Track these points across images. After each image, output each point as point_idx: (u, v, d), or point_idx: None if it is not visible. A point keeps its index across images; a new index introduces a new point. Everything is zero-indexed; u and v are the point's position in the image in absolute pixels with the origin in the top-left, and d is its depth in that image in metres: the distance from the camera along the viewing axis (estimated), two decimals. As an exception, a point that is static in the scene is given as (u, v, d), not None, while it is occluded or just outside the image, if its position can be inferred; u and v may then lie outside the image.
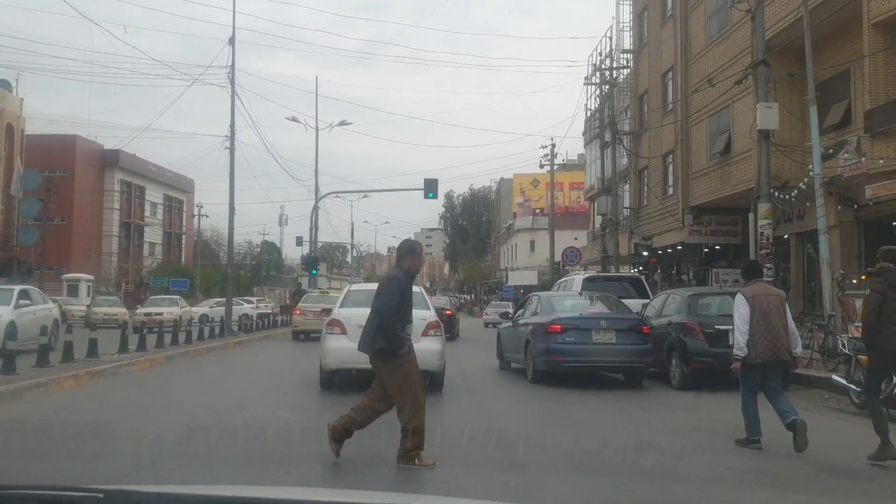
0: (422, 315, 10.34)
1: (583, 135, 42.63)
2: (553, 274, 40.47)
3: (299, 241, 69.48)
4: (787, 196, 17.55)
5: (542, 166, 40.53)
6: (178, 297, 41.44)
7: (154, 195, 78.77)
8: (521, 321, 14.00)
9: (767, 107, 16.28)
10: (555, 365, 12.13)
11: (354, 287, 14.18)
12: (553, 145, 41.50)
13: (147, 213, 77.27)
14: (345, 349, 10.09)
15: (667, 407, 10.39)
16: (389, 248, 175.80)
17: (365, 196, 65.83)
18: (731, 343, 7.81)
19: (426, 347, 9.93)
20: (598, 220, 40.27)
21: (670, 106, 28.25)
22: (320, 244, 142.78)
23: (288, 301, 51.97)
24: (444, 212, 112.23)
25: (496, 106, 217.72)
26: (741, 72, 18.04)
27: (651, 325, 12.73)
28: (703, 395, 11.28)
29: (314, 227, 36.52)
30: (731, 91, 22.50)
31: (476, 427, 8.23)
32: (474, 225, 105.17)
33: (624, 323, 12.40)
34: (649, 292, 17.56)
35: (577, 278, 18.02)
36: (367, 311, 7.03)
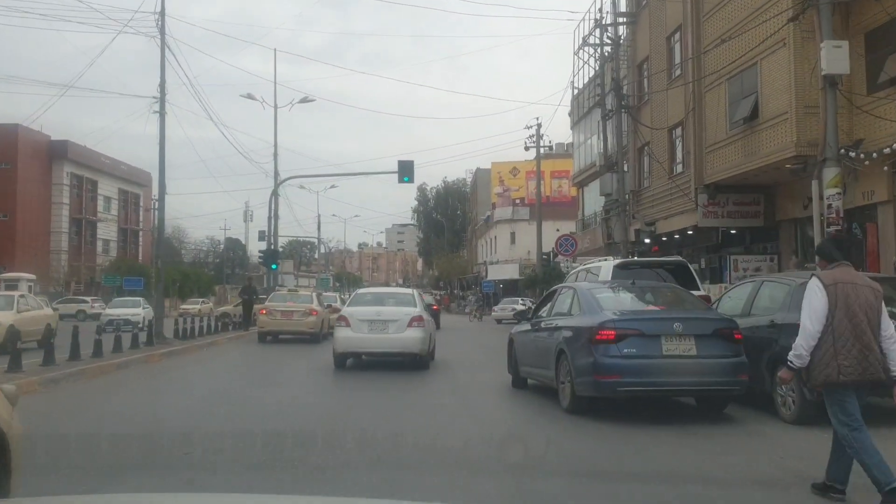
0: (407, 311, 14.42)
1: (569, 115, 39.07)
2: (541, 265, 36.90)
3: (262, 236, 65.24)
4: (859, 154, 13.96)
5: (527, 148, 37.00)
6: (140, 298, 37.92)
7: (107, 189, 74.00)
8: (548, 323, 10.26)
9: (836, 45, 12.78)
10: (608, 389, 8.39)
11: (361, 290, 18.82)
12: (539, 125, 37.93)
13: (100, 209, 72.53)
14: (349, 338, 14.26)
15: (794, 455, 6.77)
16: (360, 245, 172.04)
17: (332, 186, 61.73)
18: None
19: (411, 335, 14.09)
20: (589, 207, 36.74)
21: (678, 71, 24.68)
22: (286, 240, 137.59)
23: (231, 301, 48.13)
24: (416, 205, 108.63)
25: (465, 100, 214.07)
26: (795, 6, 14.40)
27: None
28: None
29: (273, 217, 32.55)
30: (759, 47, 19.09)
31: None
32: (449, 219, 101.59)
33: (707, 325, 8.53)
34: (698, 282, 13.87)
35: (605, 265, 13.95)
36: (368, 308, 14.55)
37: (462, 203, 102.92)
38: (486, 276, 62.51)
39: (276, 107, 33.76)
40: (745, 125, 20.14)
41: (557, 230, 59.44)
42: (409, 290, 17.81)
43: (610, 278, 12.69)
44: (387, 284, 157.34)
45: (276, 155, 34.12)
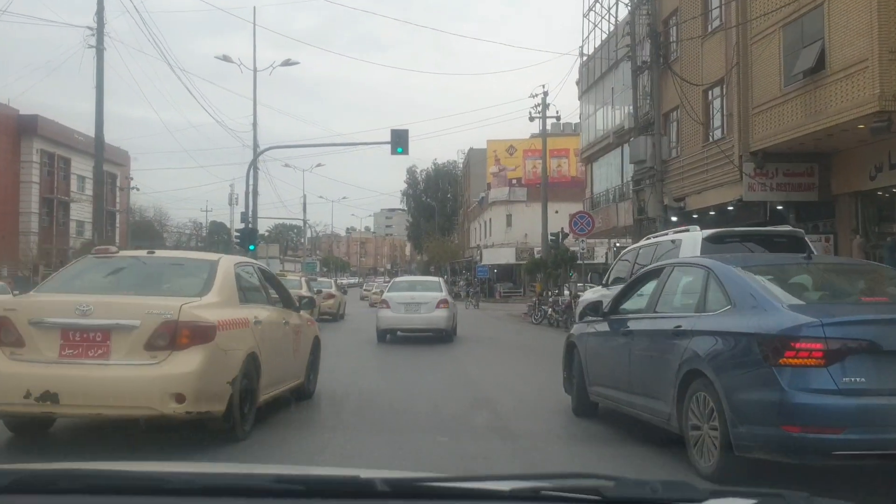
0: (435, 295, 18.23)
1: (577, 84, 35.78)
2: (548, 248, 33.69)
3: (243, 218, 61.74)
4: None
5: (532, 118, 33.71)
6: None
7: (82, 168, 70.04)
8: (655, 324, 6.67)
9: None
10: (814, 450, 4.82)
11: (398, 279, 22.33)
12: (545, 92, 34.57)
13: (74, 188, 68.71)
14: (390, 317, 17.96)
15: None
16: (348, 229, 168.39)
17: (319, 165, 58.32)
18: None
19: (439, 314, 17.82)
20: (599, 184, 33.55)
21: (717, 21, 21.46)
22: (272, 223, 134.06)
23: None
24: (406, 188, 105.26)
25: (458, 84, 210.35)
26: None
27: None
28: None
29: (252, 193, 29.25)
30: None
31: None
32: (439, 202, 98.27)
33: None
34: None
35: (688, 238, 10.35)
36: (403, 293, 17.90)
37: (453, 186, 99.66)
38: (481, 260, 59.38)
39: (255, 69, 30.34)
40: (805, 79, 17.00)
41: (556, 212, 56.16)
42: (436, 279, 21.59)
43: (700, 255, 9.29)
44: (375, 270, 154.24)
45: (255, 124, 30.77)
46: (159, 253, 7.66)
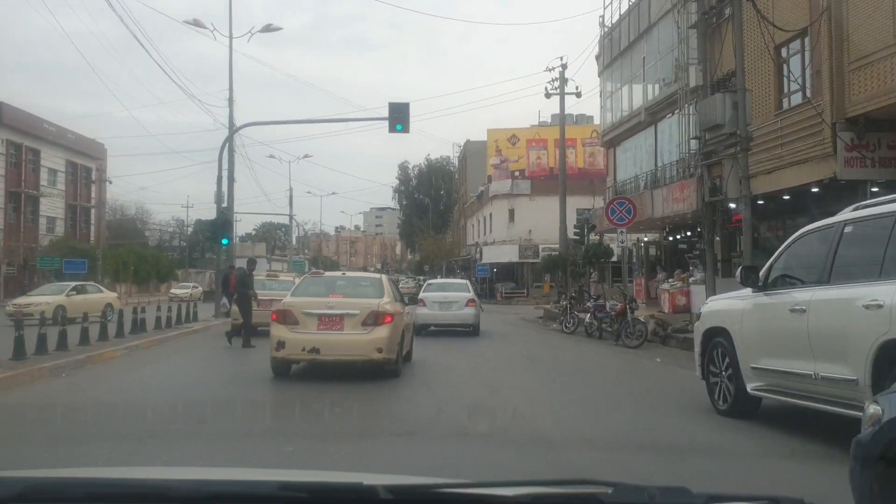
0: (464, 295, 20.50)
1: (597, 59, 31.77)
2: (566, 243, 29.66)
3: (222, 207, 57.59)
4: None
5: (548, 96, 29.62)
6: (90, 282, 31.22)
7: (52, 160, 65.46)
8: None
9: None
10: None
11: (432, 281, 24.68)
12: (563, 65, 30.45)
13: (43, 182, 64.08)
14: (426, 314, 20.09)
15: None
16: (337, 228, 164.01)
17: (307, 156, 54.32)
18: None
19: (467, 312, 20.04)
20: (624, 170, 29.52)
21: (796, -40, 17.47)
22: (259, 220, 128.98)
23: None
24: (398, 184, 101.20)
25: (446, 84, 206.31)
26: None
27: None
28: None
29: (228, 178, 25.12)
30: None
31: None
32: (432, 199, 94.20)
33: None
34: None
35: None
36: (437, 293, 20.61)
37: (447, 182, 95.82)
38: (481, 258, 55.31)
39: (230, 37, 26.15)
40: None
41: (564, 206, 52.50)
42: (464, 281, 23.52)
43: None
44: (364, 269, 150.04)
45: (231, 100, 26.58)
46: (349, 273, 15.31)
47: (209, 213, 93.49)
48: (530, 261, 52.21)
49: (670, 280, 24.21)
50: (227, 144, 25.15)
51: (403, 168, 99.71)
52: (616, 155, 31.00)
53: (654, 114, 26.23)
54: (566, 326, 20.38)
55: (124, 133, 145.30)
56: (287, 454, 6.03)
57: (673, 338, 16.11)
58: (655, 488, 1.67)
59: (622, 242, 20.21)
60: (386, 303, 11.23)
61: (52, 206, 65.39)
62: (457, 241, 77.56)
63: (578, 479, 1.82)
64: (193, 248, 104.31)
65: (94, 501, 1.64)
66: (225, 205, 25.44)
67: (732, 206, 17.53)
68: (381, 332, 10.74)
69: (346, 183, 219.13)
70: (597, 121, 55.35)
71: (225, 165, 25.82)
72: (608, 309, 17.09)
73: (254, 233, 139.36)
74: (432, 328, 20.10)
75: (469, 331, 19.93)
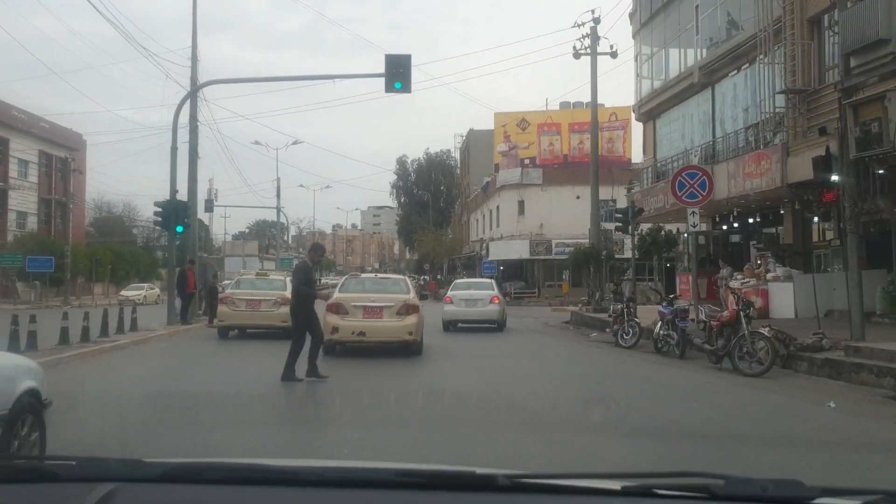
0: (488, 293, 21.45)
1: (630, 17, 26.89)
2: (598, 234, 24.76)
3: (209, 206, 52.70)
4: None
5: (577, 56, 24.72)
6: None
7: (23, 151, 60.46)
8: None
9: None
10: None
11: (458, 281, 26.16)
12: (596, 19, 25.50)
13: (14, 174, 59.14)
14: (453, 311, 21.05)
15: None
16: (334, 226, 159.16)
17: (296, 142, 49.35)
18: None
19: (491, 309, 20.82)
20: (667, 147, 24.67)
21: None
22: (253, 220, 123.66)
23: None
24: (395, 180, 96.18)
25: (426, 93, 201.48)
26: None
27: None
28: None
29: (191, 149, 20.21)
30: None
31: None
32: (432, 195, 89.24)
33: None
34: None
35: None
36: (463, 292, 21.59)
37: (447, 177, 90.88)
38: (487, 255, 50.43)
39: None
40: None
41: (578, 197, 47.49)
42: (489, 280, 25.13)
43: None
44: (362, 269, 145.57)
45: (194, 57, 21.63)
46: (380, 276, 20.13)
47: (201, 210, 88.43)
48: (542, 257, 47.37)
49: (738, 276, 19.39)
50: (186, 111, 20.15)
51: (401, 162, 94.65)
52: (656, 129, 26.17)
53: (711, 73, 21.41)
54: (623, 338, 15.37)
55: (111, 128, 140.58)
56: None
57: (802, 359, 11.10)
58: (768, 481, 1.63)
59: (693, 226, 15.31)
60: (413, 297, 14.54)
61: (23, 200, 60.45)
62: (459, 237, 72.61)
63: (688, 471, 1.83)
64: (185, 245, 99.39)
65: (228, 483, 1.75)
66: (179, 190, 20.45)
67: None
68: (412, 320, 13.93)
69: (343, 178, 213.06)
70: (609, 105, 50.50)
71: (185, 137, 20.87)
72: (705, 316, 12.07)
73: (247, 230, 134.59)
74: (459, 324, 21.13)
75: (493, 327, 20.92)
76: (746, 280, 18.55)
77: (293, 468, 1.86)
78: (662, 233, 17.22)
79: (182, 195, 21.20)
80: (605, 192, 47.87)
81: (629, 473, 1.82)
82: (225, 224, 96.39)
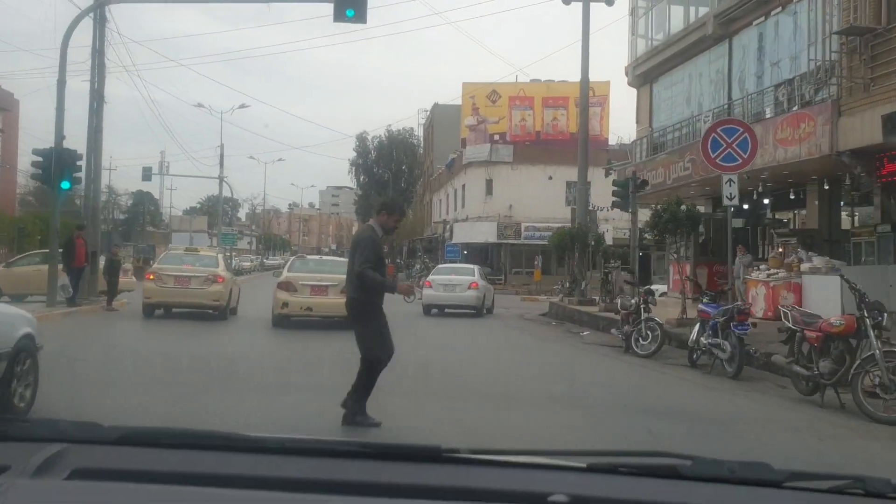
0: (468, 278, 21.54)
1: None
2: (585, 214, 21.06)
3: (146, 175, 47.87)
4: None
5: (568, 1, 20.85)
6: None
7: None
8: None
9: None
10: None
11: (441, 266, 27.46)
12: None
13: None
14: (433, 295, 21.06)
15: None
16: (290, 205, 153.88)
17: (243, 105, 44.87)
18: None
19: (470, 294, 20.82)
20: (665, 114, 21.18)
21: None
22: (205, 194, 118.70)
23: None
24: (355, 157, 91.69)
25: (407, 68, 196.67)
26: None
27: None
28: None
29: (95, 89, 16.02)
30: None
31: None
32: (393, 174, 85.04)
33: None
34: None
35: None
36: (443, 276, 21.98)
37: (409, 156, 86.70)
38: (451, 238, 46.70)
39: None
40: None
41: (550, 178, 44.10)
42: (471, 266, 25.70)
43: None
44: (318, 250, 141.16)
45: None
46: (325, 258, 21.51)
47: (152, 184, 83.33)
48: (511, 241, 43.83)
49: (762, 266, 15.96)
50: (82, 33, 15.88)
51: (361, 139, 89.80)
52: (653, 94, 22.60)
53: (728, 22, 17.89)
54: (638, 343, 11.52)
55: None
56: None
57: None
58: (736, 462, 1.63)
59: (730, 198, 11.68)
60: None
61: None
62: (420, 218, 68.82)
63: (655, 450, 1.80)
64: (134, 221, 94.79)
65: (186, 448, 1.72)
66: (65, 141, 16.16)
67: None
68: None
69: (298, 152, 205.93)
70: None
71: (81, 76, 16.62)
72: (793, 321, 8.27)
73: (198, 206, 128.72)
74: (434, 311, 21.14)
75: (472, 312, 20.94)
76: (774, 272, 15.08)
77: (252, 437, 1.78)
78: (683, 207, 13.56)
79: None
80: (575, 172, 44.54)
81: (595, 451, 1.81)
82: (171, 197, 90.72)
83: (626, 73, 24.02)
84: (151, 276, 17.22)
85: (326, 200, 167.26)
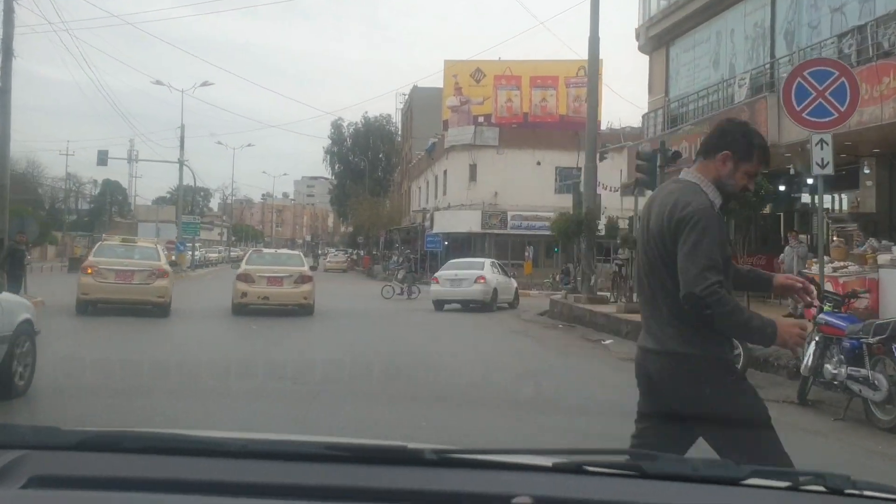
0: (474, 272, 21.22)
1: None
2: (593, 196, 17.89)
3: (102, 159, 44.06)
4: None
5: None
6: None
7: None
8: None
9: None
10: None
11: (453, 261, 24.69)
12: None
13: None
14: (440, 290, 21.07)
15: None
16: (264, 195, 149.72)
17: (205, 83, 41.51)
18: None
19: (476, 288, 20.69)
20: (685, 81, 18.19)
21: None
22: (174, 182, 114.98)
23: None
24: (330, 145, 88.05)
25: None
26: None
27: None
28: None
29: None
30: None
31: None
32: (370, 163, 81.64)
33: None
34: None
35: None
36: (450, 272, 21.73)
37: (386, 144, 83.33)
38: (432, 227, 43.48)
39: None
40: None
41: (539, 163, 41.07)
42: (480, 260, 24.15)
43: None
44: (293, 241, 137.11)
45: None
46: (279, 251, 22.80)
47: (120, 172, 78.44)
48: (496, 231, 40.75)
49: (826, 258, 12.96)
50: None
51: (337, 126, 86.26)
52: (669, 59, 19.54)
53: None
54: None
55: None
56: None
57: None
58: (699, 460, 1.70)
59: (822, 164, 8.65)
60: (307, 270, 18.04)
61: None
62: (398, 207, 65.50)
63: (619, 449, 1.86)
64: (100, 212, 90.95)
65: (148, 453, 1.68)
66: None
67: None
68: (307, 287, 17.10)
69: (270, 138, 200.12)
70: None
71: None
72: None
73: (168, 195, 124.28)
74: (445, 307, 21.06)
75: (479, 307, 20.49)
76: (842, 265, 12.11)
77: (215, 439, 1.77)
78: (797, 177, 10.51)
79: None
80: (567, 159, 41.49)
81: (560, 450, 1.81)
82: (135, 185, 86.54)
83: (637, 37, 20.93)
84: (90, 270, 16.37)
85: (302, 191, 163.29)
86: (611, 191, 28.37)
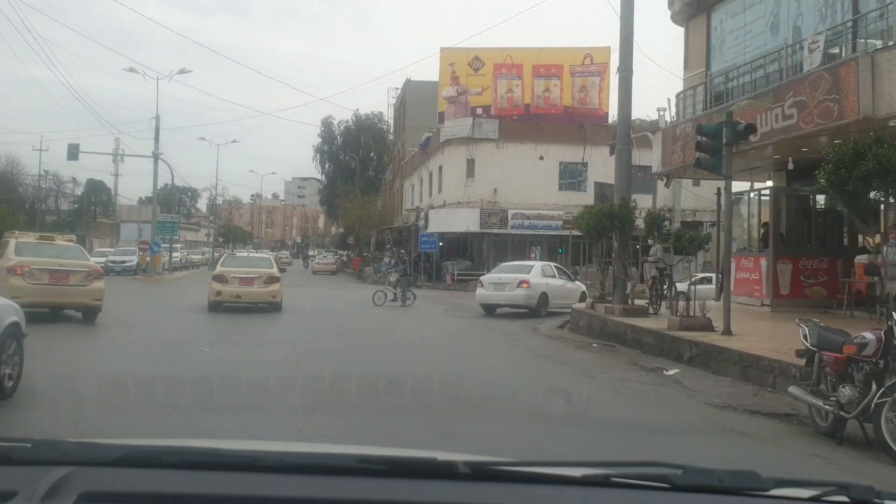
0: (518, 276, 20.59)
1: None
2: (628, 185, 14.99)
3: (72, 153, 40.87)
4: None
5: None
6: None
7: None
8: None
9: None
10: None
11: (503, 264, 24.31)
12: None
13: None
14: (482, 294, 21.04)
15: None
16: (253, 196, 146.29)
17: (182, 71, 38.46)
18: None
19: (519, 293, 20.06)
20: (729, 52, 15.33)
21: None
22: (162, 184, 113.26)
23: None
24: (320, 143, 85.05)
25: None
26: None
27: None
28: None
29: None
30: None
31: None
32: (361, 162, 78.79)
33: None
34: None
35: None
36: (494, 275, 21.61)
37: (378, 143, 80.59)
38: (426, 226, 40.57)
39: None
40: None
41: (541, 158, 38.23)
42: (527, 263, 24.07)
43: None
44: (282, 242, 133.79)
45: None
46: (251, 254, 26.03)
47: (103, 171, 75.01)
48: (495, 231, 37.94)
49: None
50: None
51: (327, 124, 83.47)
52: (710, 28, 16.69)
53: None
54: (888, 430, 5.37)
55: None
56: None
57: None
58: (725, 471, 1.69)
59: None
60: (276, 271, 19.79)
61: None
62: (390, 206, 62.66)
63: (646, 461, 1.86)
64: (83, 211, 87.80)
65: (187, 468, 1.72)
66: None
67: None
68: (275, 287, 18.94)
69: (260, 139, 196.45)
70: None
71: None
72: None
73: (160, 196, 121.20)
74: (497, 311, 20.66)
75: (525, 311, 20.11)
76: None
77: (251, 452, 1.82)
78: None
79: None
80: (572, 154, 38.72)
81: (589, 462, 1.82)
82: (117, 184, 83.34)
83: (670, 4, 18.12)
84: (19, 271, 15.28)
85: (292, 192, 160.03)
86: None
